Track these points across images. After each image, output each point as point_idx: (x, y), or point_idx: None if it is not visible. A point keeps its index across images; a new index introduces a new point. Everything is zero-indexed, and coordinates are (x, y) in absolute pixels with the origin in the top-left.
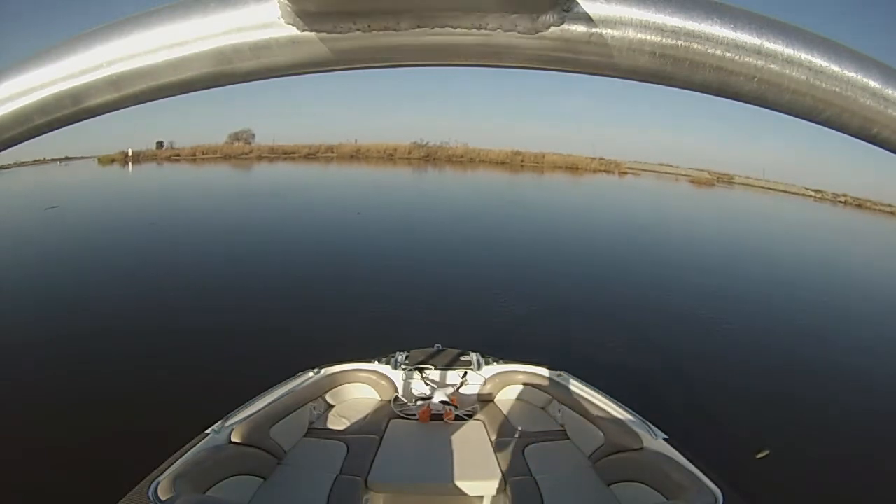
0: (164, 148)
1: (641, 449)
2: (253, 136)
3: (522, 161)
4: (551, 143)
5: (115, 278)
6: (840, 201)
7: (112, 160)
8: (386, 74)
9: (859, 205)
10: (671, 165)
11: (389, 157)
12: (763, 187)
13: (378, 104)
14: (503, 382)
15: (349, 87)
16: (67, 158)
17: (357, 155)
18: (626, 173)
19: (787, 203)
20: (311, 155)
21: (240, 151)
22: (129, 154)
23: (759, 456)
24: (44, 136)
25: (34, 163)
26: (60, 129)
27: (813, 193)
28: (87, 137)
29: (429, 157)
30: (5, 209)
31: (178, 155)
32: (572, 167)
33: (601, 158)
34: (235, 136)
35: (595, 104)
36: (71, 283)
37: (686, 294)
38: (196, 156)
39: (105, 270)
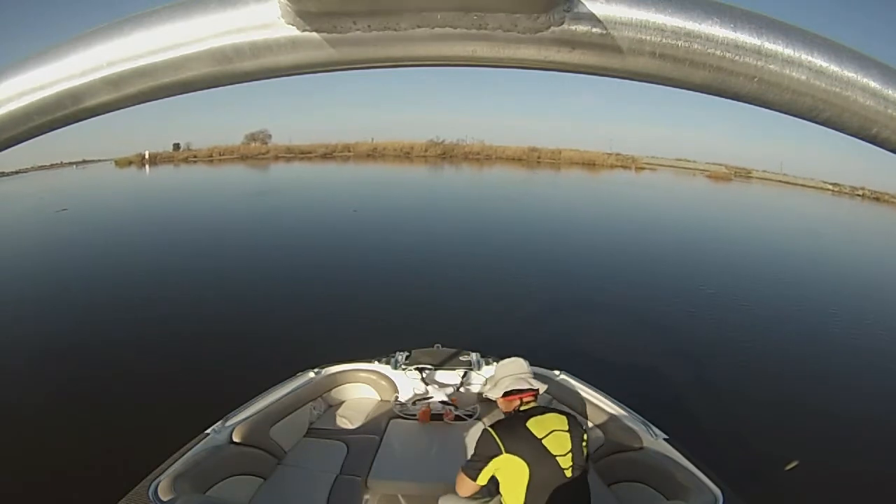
0: (181, 149)
1: (641, 449)
2: (269, 136)
3: (539, 158)
4: (568, 140)
5: (116, 279)
6: (858, 195)
7: (129, 162)
8: (400, 73)
9: (877, 198)
10: (688, 160)
11: (406, 155)
12: (781, 181)
13: (394, 103)
14: None
15: (365, 87)
16: (84, 161)
17: (373, 154)
18: (642, 169)
19: (804, 197)
20: (328, 154)
21: (256, 152)
22: (146, 156)
23: (788, 468)
24: (58, 139)
25: (51, 167)
26: (65, 130)
27: (831, 187)
28: (104, 140)
29: (445, 154)
30: (18, 212)
31: (195, 156)
32: (589, 163)
33: (618, 154)
34: (252, 137)
35: (611, 100)
36: (73, 284)
37: (688, 293)
38: (213, 157)
39: (106, 271)
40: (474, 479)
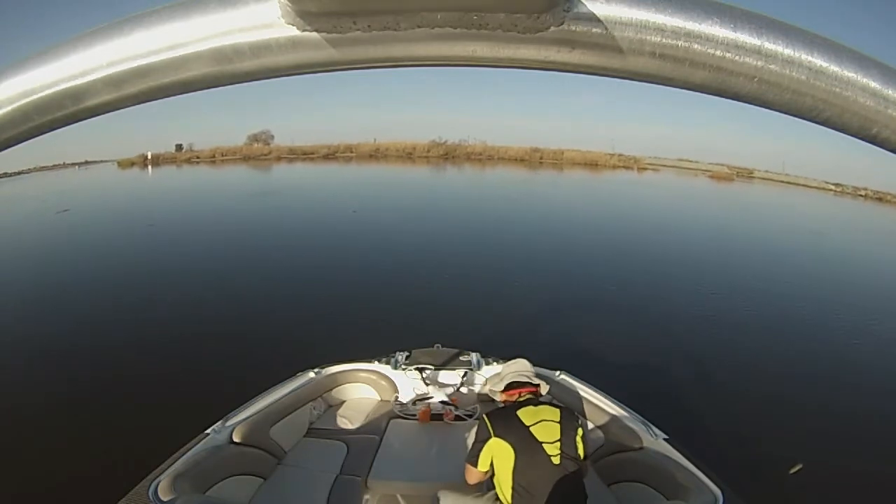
0: (184, 150)
1: (641, 449)
2: (272, 137)
3: (541, 158)
4: (570, 140)
5: (116, 279)
6: (860, 195)
7: (132, 163)
8: (402, 73)
9: (880, 198)
10: (691, 161)
11: (408, 155)
12: (783, 182)
13: (396, 103)
14: None
15: (367, 87)
16: (86, 162)
17: (376, 154)
18: (645, 169)
19: (806, 197)
20: (331, 155)
21: (259, 153)
22: (149, 157)
23: (793, 471)
24: (60, 140)
25: (53, 167)
26: (66, 131)
27: (833, 187)
28: (106, 141)
29: (447, 155)
30: (20, 213)
31: (197, 157)
32: (591, 164)
33: (620, 155)
34: (254, 138)
35: (612, 100)
36: (74, 284)
37: (688, 293)
38: (215, 158)
39: (107, 272)
40: (475, 466)
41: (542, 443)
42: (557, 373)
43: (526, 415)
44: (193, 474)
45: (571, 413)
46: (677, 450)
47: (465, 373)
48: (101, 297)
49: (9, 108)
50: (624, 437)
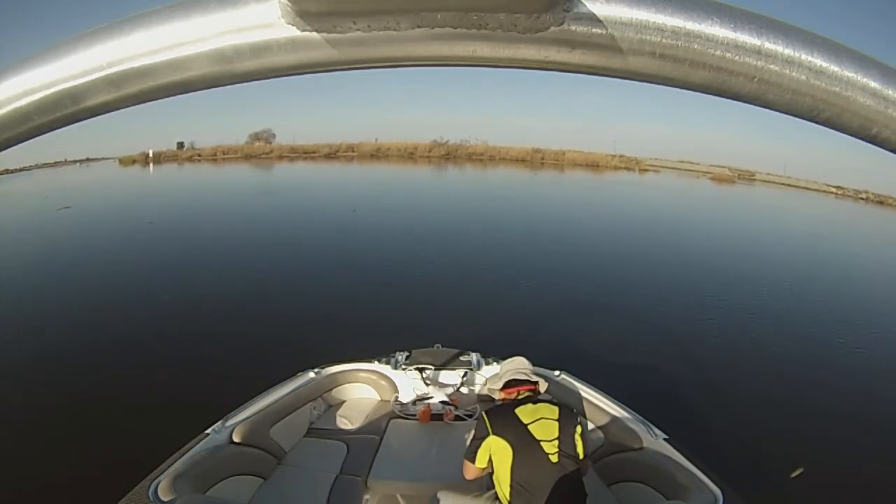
0: (185, 148)
1: (641, 449)
2: (273, 135)
3: (542, 159)
4: (571, 141)
5: (116, 278)
6: (861, 198)
7: (133, 161)
8: (404, 73)
9: (881, 201)
10: (692, 162)
11: (409, 155)
12: (784, 184)
13: (398, 103)
14: None
15: (369, 87)
16: (88, 160)
17: (377, 154)
18: (646, 170)
19: (808, 200)
20: (332, 154)
21: (260, 151)
22: (150, 155)
23: (794, 475)
24: (61, 137)
25: (55, 164)
26: (68, 129)
27: (834, 190)
28: (108, 138)
29: (449, 155)
30: (21, 209)
31: (198, 155)
32: (592, 165)
33: (621, 156)
34: (256, 136)
35: (613, 101)
36: (74, 283)
37: (689, 294)
38: (217, 156)
39: (106, 270)
40: (473, 462)
41: (539, 441)
42: (557, 372)
43: (524, 413)
44: (193, 474)
45: (570, 411)
46: (677, 450)
47: (465, 373)
48: (100, 296)
49: (9, 108)
50: (624, 437)
